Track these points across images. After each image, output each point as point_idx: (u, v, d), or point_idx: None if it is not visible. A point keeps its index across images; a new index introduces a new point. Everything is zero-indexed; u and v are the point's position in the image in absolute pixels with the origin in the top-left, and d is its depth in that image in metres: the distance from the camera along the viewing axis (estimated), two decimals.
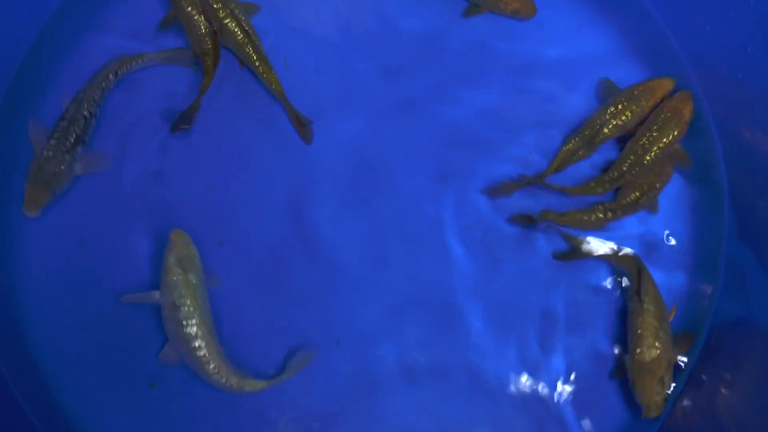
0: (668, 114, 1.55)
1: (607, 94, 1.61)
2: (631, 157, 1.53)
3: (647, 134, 1.54)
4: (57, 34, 1.61)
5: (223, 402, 1.46)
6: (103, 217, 1.53)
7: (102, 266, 1.51)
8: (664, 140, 1.53)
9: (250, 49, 1.57)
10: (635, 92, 1.57)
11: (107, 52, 1.58)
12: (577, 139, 1.57)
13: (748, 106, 1.50)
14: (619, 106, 1.56)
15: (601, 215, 1.53)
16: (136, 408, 1.46)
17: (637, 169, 1.53)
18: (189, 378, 1.44)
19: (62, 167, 1.46)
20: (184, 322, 1.36)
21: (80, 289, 1.50)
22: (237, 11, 1.57)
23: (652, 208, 1.58)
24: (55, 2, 1.61)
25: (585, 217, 1.53)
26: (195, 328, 1.37)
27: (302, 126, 1.58)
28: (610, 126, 1.56)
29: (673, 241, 1.58)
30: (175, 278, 1.39)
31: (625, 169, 1.53)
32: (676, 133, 1.54)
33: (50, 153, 1.46)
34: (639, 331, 1.44)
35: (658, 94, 1.58)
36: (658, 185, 1.56)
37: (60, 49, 1.60)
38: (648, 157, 1.53)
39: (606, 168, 1.59)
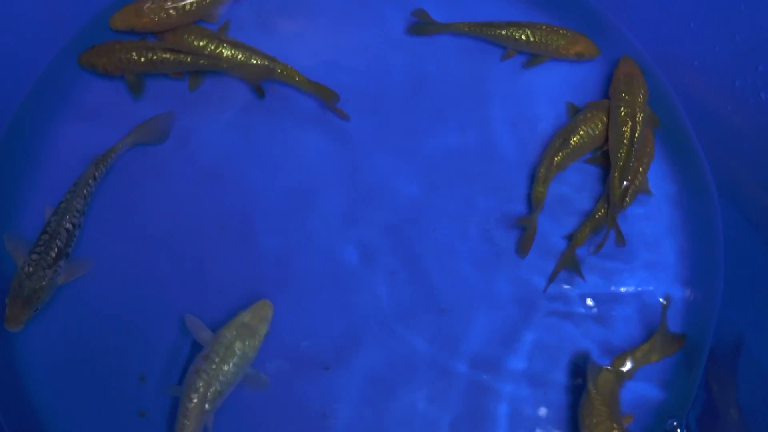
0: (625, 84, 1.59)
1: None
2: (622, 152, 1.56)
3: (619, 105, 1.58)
4: (24, 130, 1.61)
5: None
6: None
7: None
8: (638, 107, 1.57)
9: (257, 59, 1.60)
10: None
11: (77, 148, 1.58)
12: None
13: (737, 138, 1.53)
14: (588, 114, 1.61)
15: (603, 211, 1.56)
16: None
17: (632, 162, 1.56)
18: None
19: (43, 284, 1.42)
20: (202, 374, 1.36)
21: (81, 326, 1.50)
22: (222, 36, 1.63)
23: (645, 190, 1.59)
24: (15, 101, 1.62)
25: (594, 220, 1.56)
26: (202, 387, 1.36)
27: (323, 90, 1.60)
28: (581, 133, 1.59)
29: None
30: (227, 335, 1.40)
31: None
32: (641, 97, 1.58)
33: (31, 269, 1.42)
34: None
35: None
36: (642, 169, 1.58)
37: (28, 148, 1.60)
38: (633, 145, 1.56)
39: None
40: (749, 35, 1.44)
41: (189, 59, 1.58)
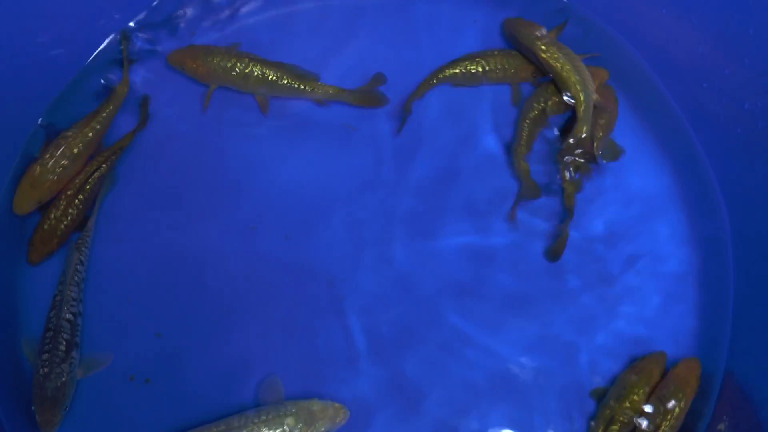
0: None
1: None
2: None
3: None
4: None
5: None
6: None
7: None
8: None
9: (286, 80, 1.60)
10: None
11: None
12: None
13: (748, 160, 1.53)
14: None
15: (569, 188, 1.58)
16: None
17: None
18: None
19: (63, 380, 1.41)
20: (242, 419, 1.39)
21: None
22: (251, 55, 1.61)
23: (615, 156, 1.62)
24: None
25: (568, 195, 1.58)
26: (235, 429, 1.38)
27: (374, 98, 1.62)
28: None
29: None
30: (289, 406, 1.41)
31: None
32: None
33: (46, 369, 1.40)
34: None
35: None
36: (601, 134, 1.59)
37: None
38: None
39: None
40: (759, 58, 1.45)
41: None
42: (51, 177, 1.52)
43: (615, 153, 1.63)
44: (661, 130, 1.65)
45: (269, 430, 1.38)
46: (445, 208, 1.63)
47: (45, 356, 1.41)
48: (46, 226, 1.53)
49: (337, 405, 1.44)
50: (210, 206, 1.61)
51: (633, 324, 1.57)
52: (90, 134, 1.56)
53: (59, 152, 1.53)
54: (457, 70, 1.65)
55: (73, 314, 1.46)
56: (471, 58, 1.66)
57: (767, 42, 1.42)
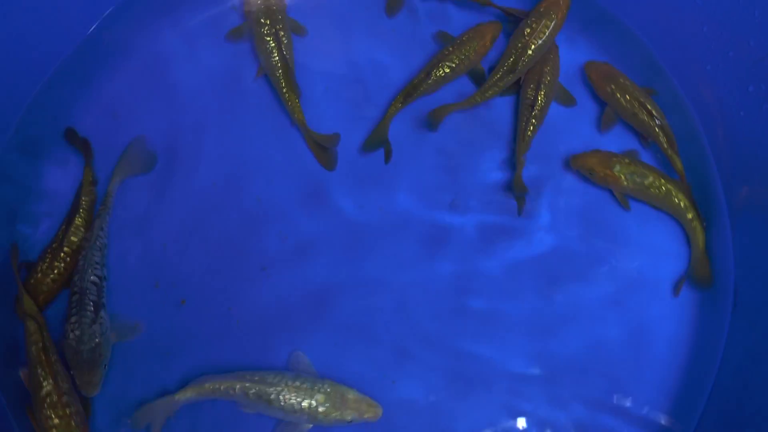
0: (543, 8, 1.62)
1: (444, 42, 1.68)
2: (512, 56, 1.61)
3: (526, 30, 1.61)
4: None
5: None
6: None
7: None
8: (545, 31, 1.60)
9: (280, 74, 1.61)
10: (464, 38, 1.65)
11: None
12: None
13: (750, 144, 1.51)
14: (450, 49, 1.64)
15: (530, 133, 1.60)
16: None
17: (520, 64, 1.61)
18: None
19: (96, 340, 1.41)
20: (277, 386, 1.41)
21: None
22: (282, 33, 1.62)
23: (568, 101, 1.65)
24: None
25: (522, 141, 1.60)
26: (272, 395, 1.40)
27: (323, 152, 1.61)
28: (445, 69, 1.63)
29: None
30: (325, 385, 1.42)
31: (506, 67, 1.61)
32: (554, 23, 1.62)
33: (77, 332, 1.40)
34: None
35: (488, 36, 1.65)
36: (549, 78, 1.61)
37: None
38: (530, 51, 1.60)
39: None
40: (763, 41, 1.43)
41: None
42: (43, 287, 1.49)
43: (568, 99, 1.65)
44: (665, 111, 1.63)
45: (297, 397, 1.40)
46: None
47: (73, 319, 1.41)
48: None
49: (372, 402, 1.44)
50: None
51: None
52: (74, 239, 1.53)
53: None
54: (431, 81, 1.62)
55: (98, 277, 1.46)
56: (434, 63, 1.63)
57: None
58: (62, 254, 1.50)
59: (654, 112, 1.59)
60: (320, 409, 1.40)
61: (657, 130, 1.60)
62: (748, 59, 1.47)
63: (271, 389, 1.40)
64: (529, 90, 1.61)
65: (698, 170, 1.62)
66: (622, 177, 1.55)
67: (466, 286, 1.57)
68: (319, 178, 1.63)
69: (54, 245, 1.52)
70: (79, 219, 1.54)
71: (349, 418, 1.41)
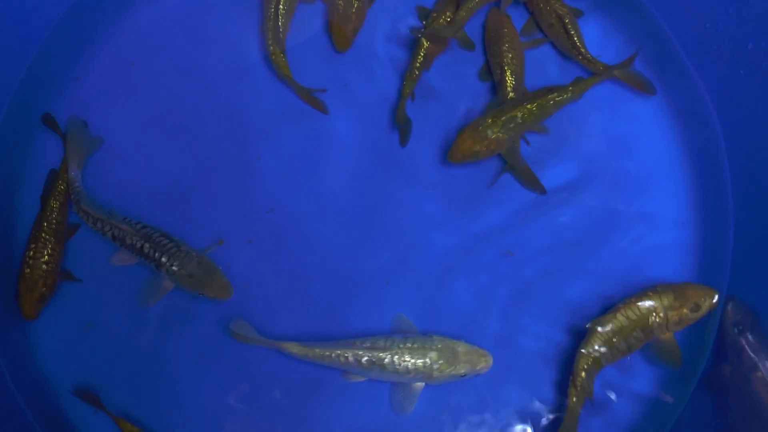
0: None
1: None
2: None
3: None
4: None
5: None
6: None
7: None
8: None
9: (270, 32, 1.64)
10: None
11: None
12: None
13: (751, 102, 1.53)
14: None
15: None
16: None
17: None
18: None
19: (193, 254, 1.49)
20: (387, 342, 1.44)
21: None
22: None
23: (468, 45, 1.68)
24: None
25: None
26: (381, 353, 1.41)
27: (314, 100, 1.64)
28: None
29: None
30: (437, 341, 1.43)
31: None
32: None
33: (176, 263, 1.47)
34: None
35: None
36: (511, 55, 1.62)
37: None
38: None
39: None
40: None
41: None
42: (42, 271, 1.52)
43: (468, 43, 1.67)
44: (663, 73, 1.64)
45: (412, 357, 1.41)
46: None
47: (164, 259, 1.47)
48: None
49: (481, 351, 1.44)
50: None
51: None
52: (54, 223, 1.55)
53: (39, 246, 1.53)
54: (418, 65, 1.64)
55: (133, 222, 1.51)
56: (418, 49, 1.65)
57: None
58: (43, 236, 1.53)
59: (568, 22, 1.63)
60: (435, 367, 1.41)
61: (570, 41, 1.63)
62: (748, 17, 1.48)
63: (384, 354, 1.41)
64: (498, 73, 1.62)
65: (699, 126, 1.64)
66: (501, 134, 1.53)
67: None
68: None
69: (36, 234, 1.53)
70: (56, 202, 1.56)
71: (462, 371, 1.42)
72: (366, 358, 1.41)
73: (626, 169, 1.63)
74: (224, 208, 1.61)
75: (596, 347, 1.42)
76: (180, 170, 1.62)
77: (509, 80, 1.60)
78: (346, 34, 1.65)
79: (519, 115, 1.52)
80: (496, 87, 1.63)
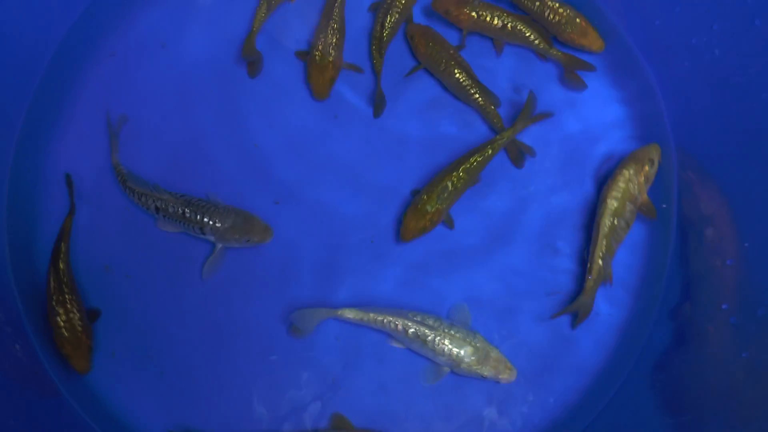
0: None
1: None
2: None
3: None
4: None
5: None
6: None
7: None
8: None
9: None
10: None
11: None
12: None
13: (695, 91, 1.67)
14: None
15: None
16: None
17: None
18: None
19: (228, 208, 1.62)
20: (430, 321, 1.58)
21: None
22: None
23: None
24: None
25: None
26: (427, 331, 1.56)
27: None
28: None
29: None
30: (477, 339, 1.57)
31: None
32: None
33: (217, 220, 1.59)
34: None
35: None
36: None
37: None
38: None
39: None
40: None
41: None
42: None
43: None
44: (622, 66, 1.79)
45: (450, 344, 1.55)
46: None
47: (206, 219, 1.60)
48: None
49: (510, 364, 1.57)
50: None
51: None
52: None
53: None
54: (387, 31, 1.77)
55: (164, 195, 1.62)
56: (386, 11, 1.78)
57: None
58: (66, 296, 1.58)
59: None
60: (466, 360, 1.55)
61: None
62: (693, 14, 1.61)
63: (430, 332, 1.55)
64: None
65: (648, 115, 1.77)
66: (440, 205, 1.64)
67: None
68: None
69: (54, 297, 1.58)
70: (63, 263, 1.62)
71: (486, 374, 1.55)
72: (413, 330, 1.55)
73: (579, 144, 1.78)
74: (251, 174, 1.73)
75: (604, 240, 1.63)
76: (208, 146, 1.74)
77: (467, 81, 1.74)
78: (324, 83, 1.74)
79: (449, 184, 1.64)
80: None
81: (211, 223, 1.58)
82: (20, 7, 1.63)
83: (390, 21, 1.77)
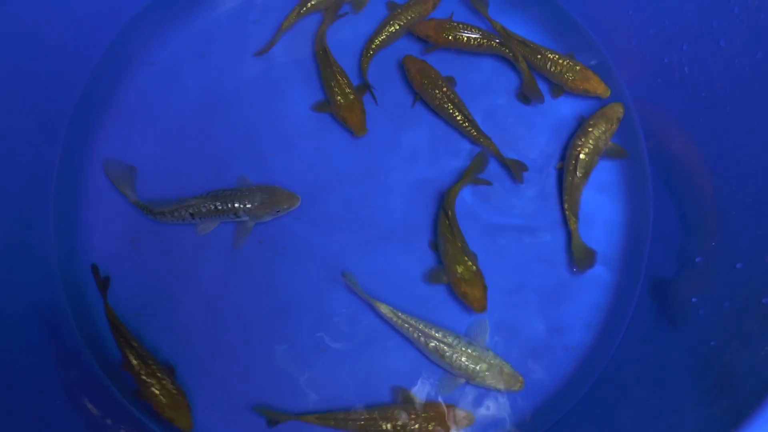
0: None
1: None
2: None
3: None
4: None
5: None
6: None
7: None
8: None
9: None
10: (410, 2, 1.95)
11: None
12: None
13: (667, 106, 1.80)
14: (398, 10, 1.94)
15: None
16: None
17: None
18: None
19: (254, 188, 1.74)
20: (450, 338, 1.68)
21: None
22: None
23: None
24: None
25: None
26: (446, 349, 1.66)
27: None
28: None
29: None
30: (495, 358, 1.68)
31: None
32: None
33: (246, 203, 1.70)
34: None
35: (429, 1, 1.94)
36: None
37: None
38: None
39: None
40: (677, 21, 1.70)
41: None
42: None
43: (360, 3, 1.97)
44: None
45: (467, 361, 1.65)
46: None
47: (237, 204, 1.71)
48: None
49: (520, 378, 1.68)
50: None
51: None
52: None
53: None
54: (383, 36, 1.92)
55: (192, 201, 1.72)
56: (388, 20, 1.93)
57: (684, 8, 1.66)
58: (152, 367, 1.65)
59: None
60: (480, 375, 1.65)
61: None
62: (665, 35, 1.74)
63: (448, 349, 1.65)
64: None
65: (625, 127, 1.91)
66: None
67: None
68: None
69: (143, 371, 1.65)
70: (135, 342, 1.68)
71: (500, 387, 1.66)
72: (433, 344, 1.66)
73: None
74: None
75: (575, 190, 1.80)
76: (232, 156, 1.87)
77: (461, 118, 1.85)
78: (358, 120, 1.83)
79: (459, 243, 1.73)
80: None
81: (241, 206, 1.69)
82: (67, 18, 1.75)
83: (389, 29, 1.91)
